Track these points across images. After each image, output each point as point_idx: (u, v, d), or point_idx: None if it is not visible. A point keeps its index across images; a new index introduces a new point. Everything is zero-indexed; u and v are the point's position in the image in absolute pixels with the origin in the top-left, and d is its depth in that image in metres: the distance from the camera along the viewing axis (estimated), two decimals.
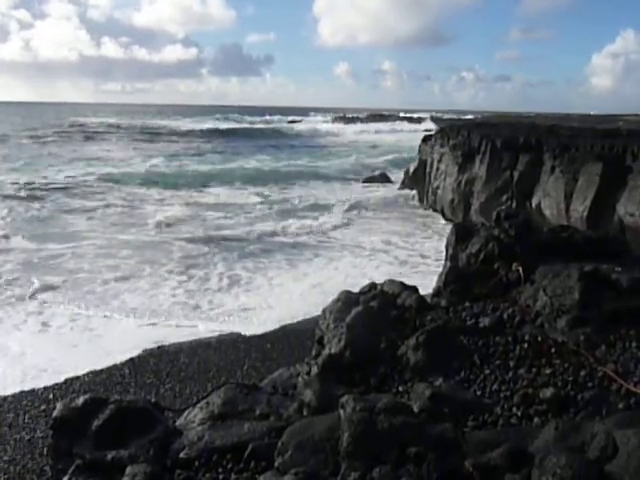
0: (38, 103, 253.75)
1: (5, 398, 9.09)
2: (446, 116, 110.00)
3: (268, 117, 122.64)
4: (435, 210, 25.55)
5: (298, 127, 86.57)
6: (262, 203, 28.03)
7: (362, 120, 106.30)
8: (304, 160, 47.82)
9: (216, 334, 11.78)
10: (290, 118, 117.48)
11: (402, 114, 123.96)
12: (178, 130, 73.73)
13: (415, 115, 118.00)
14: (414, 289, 5.66)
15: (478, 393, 3.98)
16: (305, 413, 3.90)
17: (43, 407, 8.77)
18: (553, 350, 4.40)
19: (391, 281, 5.87)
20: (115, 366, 10.28)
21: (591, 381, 3.99)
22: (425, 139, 30.30)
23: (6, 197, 26.78)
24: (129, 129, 74.18)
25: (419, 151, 30.68)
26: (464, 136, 24.47)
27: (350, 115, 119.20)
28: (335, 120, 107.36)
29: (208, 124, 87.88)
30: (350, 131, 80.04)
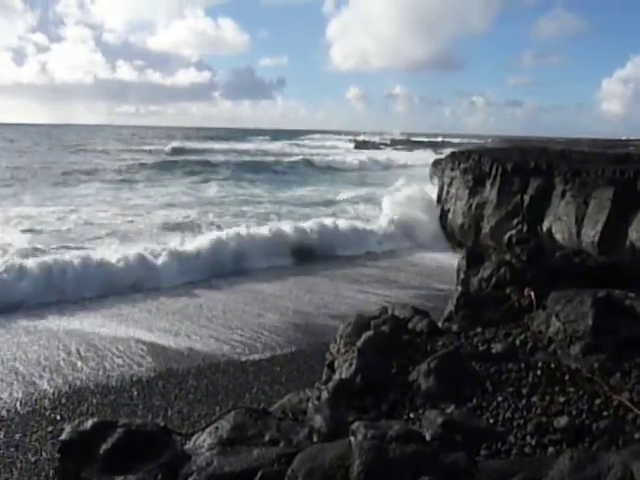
0: (56, 125, 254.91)
1: (12, 419, 9.06)
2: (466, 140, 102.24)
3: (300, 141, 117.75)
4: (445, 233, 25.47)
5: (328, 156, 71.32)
6: None
7: (382, 146, 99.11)
8: None
9: (225, 358, 11.73)
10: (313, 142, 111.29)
11: (441, 139, 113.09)
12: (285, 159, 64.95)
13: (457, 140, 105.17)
14: (425, 314, 5.63)
15: (491, 421, 3.92)
16: (315, 439, 3.85)
17: (50, 428, 8.74)
18: (567, 377, 4.34)
19: (402, 305, 5.85)
20: (123, 387, 10.25)
21: (606, 410, 3.93)
22: (435, 163, 30.35)
23: None
24: (241, 153, 70.82)
25: (429, 175, 30.71)
26: (474, 160, 24.48)
27: (371, 139, 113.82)
28: (358, 145, 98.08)
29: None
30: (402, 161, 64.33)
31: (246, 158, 65.97)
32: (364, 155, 71.72)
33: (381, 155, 74.28)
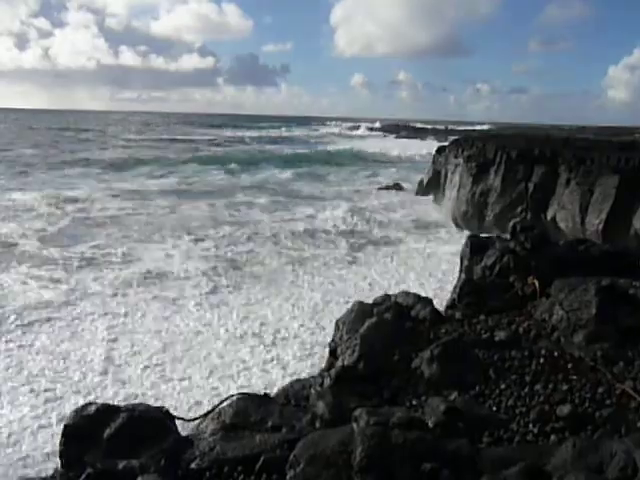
0: (57, 111, 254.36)
1: None
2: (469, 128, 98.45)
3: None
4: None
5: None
6: None
7: (386, 133, 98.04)
8: None
9: None
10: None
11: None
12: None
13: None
14: (428, 301, 5.61)
15: (493, 408, 3.92)
16: (318, 425, 3.85)
17: None
18: (570, 366, 4.33)
19: (405, 293, 5.83)
20: None
21: (609, 398, 3.92)
22: (439, 150, 30.22)
23: None
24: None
25: (433, 162, 30.60)
26: (479, 147, 24.35)
27: (374, 126, 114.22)
28: (386, 133, 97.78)
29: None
30: None
31: (298, 150, 64.11)
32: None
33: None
